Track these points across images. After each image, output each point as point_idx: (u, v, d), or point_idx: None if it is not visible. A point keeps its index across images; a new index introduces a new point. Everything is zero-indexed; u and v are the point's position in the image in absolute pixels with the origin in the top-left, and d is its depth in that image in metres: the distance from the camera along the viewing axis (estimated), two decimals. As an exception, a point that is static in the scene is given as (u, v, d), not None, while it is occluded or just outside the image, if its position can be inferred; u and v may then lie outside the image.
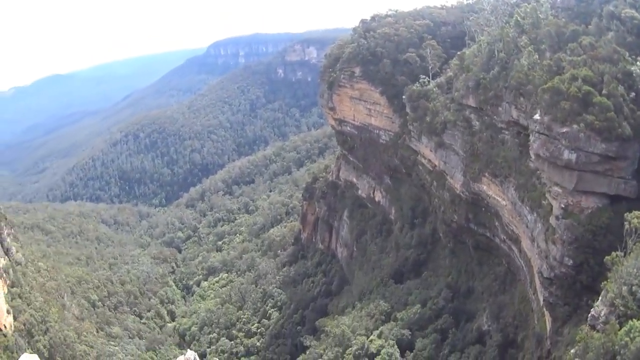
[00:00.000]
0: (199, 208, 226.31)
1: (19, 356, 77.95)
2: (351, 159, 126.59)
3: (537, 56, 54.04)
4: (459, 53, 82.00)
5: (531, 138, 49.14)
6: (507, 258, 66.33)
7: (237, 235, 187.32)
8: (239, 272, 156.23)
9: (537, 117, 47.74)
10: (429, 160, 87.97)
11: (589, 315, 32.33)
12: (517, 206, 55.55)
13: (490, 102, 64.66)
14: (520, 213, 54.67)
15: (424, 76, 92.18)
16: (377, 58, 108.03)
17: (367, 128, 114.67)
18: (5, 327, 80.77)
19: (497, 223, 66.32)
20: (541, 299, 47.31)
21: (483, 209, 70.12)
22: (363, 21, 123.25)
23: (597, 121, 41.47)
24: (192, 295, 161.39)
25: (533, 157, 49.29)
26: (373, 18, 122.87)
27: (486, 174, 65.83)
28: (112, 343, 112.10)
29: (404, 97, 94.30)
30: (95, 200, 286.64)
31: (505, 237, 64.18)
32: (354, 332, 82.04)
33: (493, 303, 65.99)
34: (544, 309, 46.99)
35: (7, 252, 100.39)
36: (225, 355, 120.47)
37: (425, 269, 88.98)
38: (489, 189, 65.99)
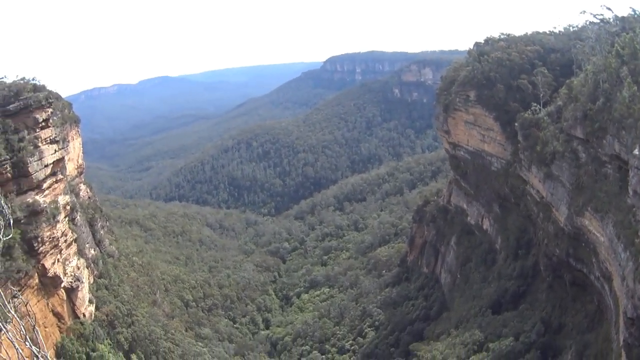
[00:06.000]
0: (308, 221, 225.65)
1: (95, 345, 77.86)
2: (463, 184, 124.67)
3: (636, 88, 51.70)
4: (567, 81, 79.46)
5: (630, 174, 47.04)
6: (598, 296, 63.18)
7: (344, 251, 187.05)
8: (341, 288, 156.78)
9: (636, 152, 45.59)
10: (537, 191, 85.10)
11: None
12: (613, 243, 52.98)
13: (596, 134, 62.18)
14: (615, 250, 52.15)
15: (535, 104, 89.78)
16: (491, 82, 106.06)
17: (480, 154, 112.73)
18: (84, 315, 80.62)
19: (594, 259, 63.29)
20: (621, 339, 45.07)
21: (583, 244, 67.14)
22: (477, 44, 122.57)
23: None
24: (291, 306, 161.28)
25: (631, 193, 47.08)
26: (487, 41, 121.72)
27: (589, 209, 63.09)
28: (200, 344, 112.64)
29: (516, 124, 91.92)
30: (201, 204, 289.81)
31: (599, 274, 61.16)
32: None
33: (580, 341, 63.02)
34: (622, 350, 44.75)
35: (98, 243, 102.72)
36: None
37: (523, 302, 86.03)
38: (591, 224, 63.13)
